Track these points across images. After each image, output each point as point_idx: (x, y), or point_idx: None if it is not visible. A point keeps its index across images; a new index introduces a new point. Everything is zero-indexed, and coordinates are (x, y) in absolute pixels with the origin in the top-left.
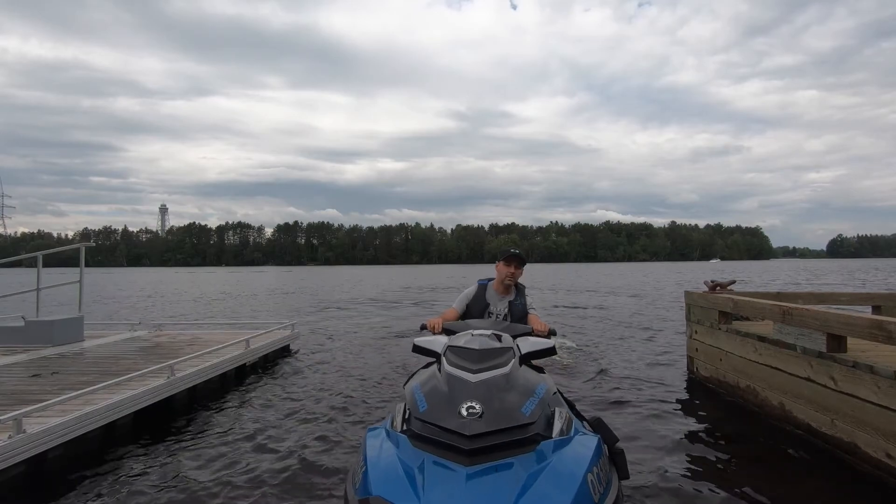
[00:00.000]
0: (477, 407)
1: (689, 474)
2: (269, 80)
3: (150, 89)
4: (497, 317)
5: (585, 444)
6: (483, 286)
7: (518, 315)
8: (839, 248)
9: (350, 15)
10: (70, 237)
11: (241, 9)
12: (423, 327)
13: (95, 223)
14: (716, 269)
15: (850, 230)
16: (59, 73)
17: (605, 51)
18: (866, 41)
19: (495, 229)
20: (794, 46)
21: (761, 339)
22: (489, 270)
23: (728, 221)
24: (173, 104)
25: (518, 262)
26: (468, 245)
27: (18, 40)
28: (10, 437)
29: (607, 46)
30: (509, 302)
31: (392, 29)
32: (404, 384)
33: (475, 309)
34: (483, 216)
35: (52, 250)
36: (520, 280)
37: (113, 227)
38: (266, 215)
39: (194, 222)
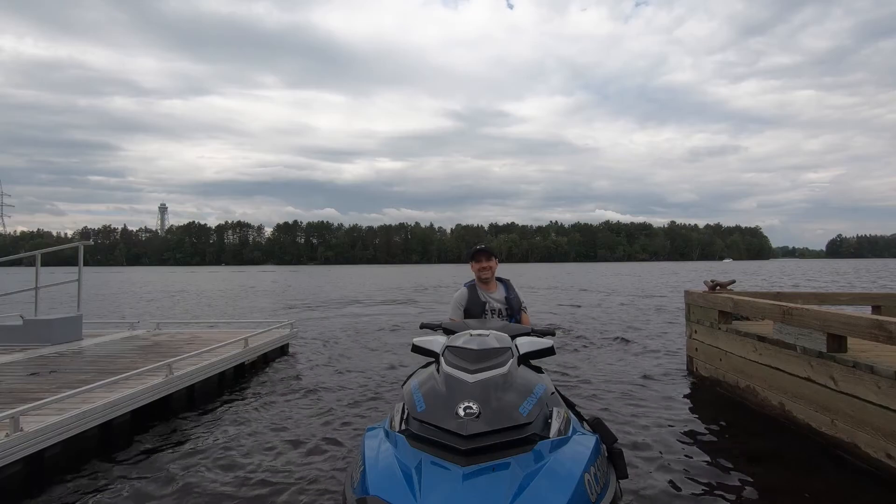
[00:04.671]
0: (474, 407)
1: (687, 474)
2: (265, 80)
3: (146, 88)
4: (492, 312)
5: (583, 443)
6: (472, 286)
7: (516, 308)
8: (839, 249)
9: (345, 14)
10: (69, 236)
11: (236, 8)
12: (423, 327)
13: (94, 222)
14: (726, 270)
15: (849, 230)
16: (54, 72)
17: (601, 50)
18: (864, 41)
19: (495, 229)
20: (791, 46)
21: (761, 338)
22: None
23: (727, 221)
24: (170, 103)
25: (485, 256)
26: (468, 244)
27: (13, 39)
28: (7, 435)
29: (604, 46)
30: (505, 297)
31: (388, 28)
32: (403, 384)
33: (473, 309)
34: (482, 215)
35: (50, 249)
36: (505, 276)
37: (112, 227)
38: (265, 214)
39: (193, 221)
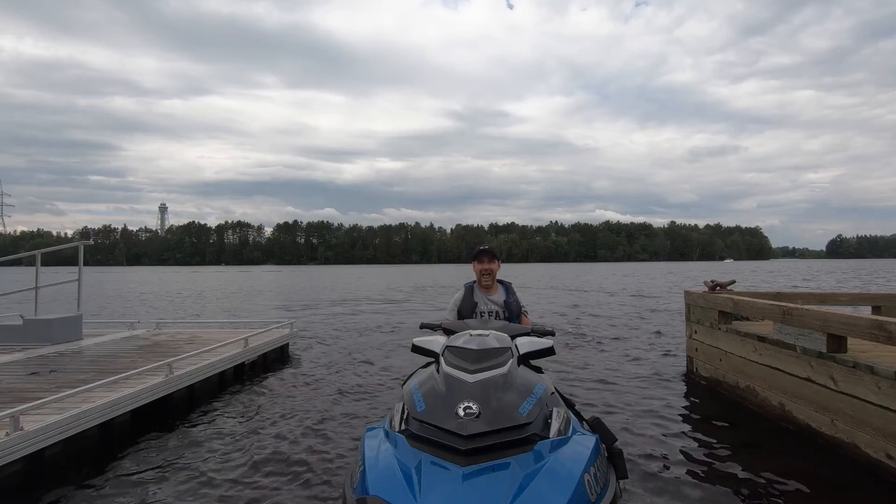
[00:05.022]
0: (474, 407)
1: (687, 474)
2: (265, 80)
3: (146, 88)
4: (489, 315)
5: (583, 443)
6: (469, 288)
7: (515, 312)
8: (839, 249)
9: (345, 14)
10: (69, 236)
11: (236, 7)
12: (423, 327)
13: (94, 222)
14: (727, 270)
15: (849, 230)
16: (54, 72)
17: (601, 50)
18: (863, 41)
19: (495, 229)
20: (791, 46)
21: (761, 339)
22: None
23: (727, 221)
24: (169, 103)
25: (487, 257)
26: (468, 244)
27: (13, 39)
28: (7, 434)
29: (604, 46)
30: (504, 301)
31: (388, 28)
32: (403, 384)
33: (465, 309)
34: (482, 216)
35: (50, 248)
36: (505, 277)
37: (112, 226)
38: (265, 214)
39: (193, 221)
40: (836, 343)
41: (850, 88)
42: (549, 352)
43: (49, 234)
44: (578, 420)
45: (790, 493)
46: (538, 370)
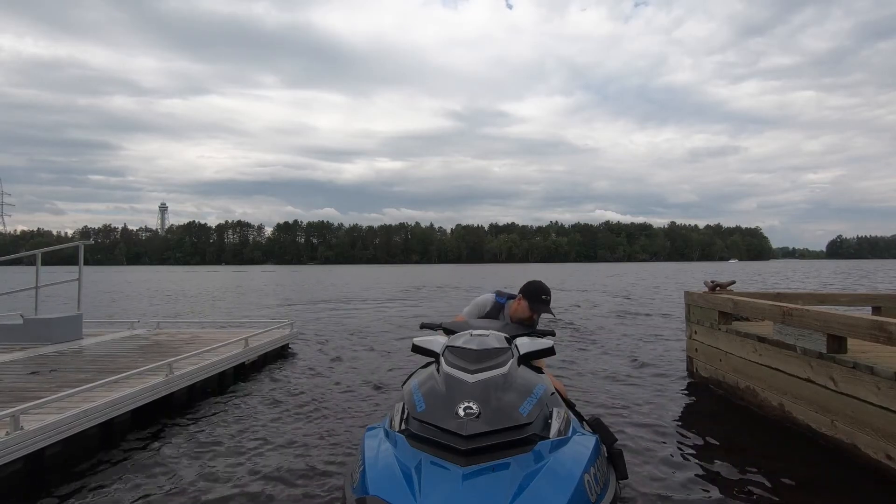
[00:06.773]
0: (474, 407)
1: (687, 475)
2: (265, 80)
3: (145, 88)
4: None
5: (583, 444)
6: (500, 305)
7: None
8: (839, 249)
9: (345, 14)
10: (69, 235)
11: (235, 7)
12: (423, 327)
13: (94, 221)
14: (729, 271)
15: (850, 231)
16: (54, 71)
17: (601, 50)
18: (863, 42)
19: (495, 229)
20: (790, 47)
21: (761, 339)
22: (489, 270)
23: (727, 222)
24: (169, 103)
25: (544, 312)
26: (468, 244)
27: (13, 38)
28: (7, 433)
29: (604, 46)
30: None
31: (387, 28)
32: (403, 384)
33: None
34: (482, 216)
35: (50, 248)
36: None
37: (112, 226)
38: (265, 214)
39: (194, 221)
40: (837, 344)
41: (850, 89)
42: (549, 352)
43: (49, 233)
44: (578, 420)
45: (790, 494)
46: (538, 370)
